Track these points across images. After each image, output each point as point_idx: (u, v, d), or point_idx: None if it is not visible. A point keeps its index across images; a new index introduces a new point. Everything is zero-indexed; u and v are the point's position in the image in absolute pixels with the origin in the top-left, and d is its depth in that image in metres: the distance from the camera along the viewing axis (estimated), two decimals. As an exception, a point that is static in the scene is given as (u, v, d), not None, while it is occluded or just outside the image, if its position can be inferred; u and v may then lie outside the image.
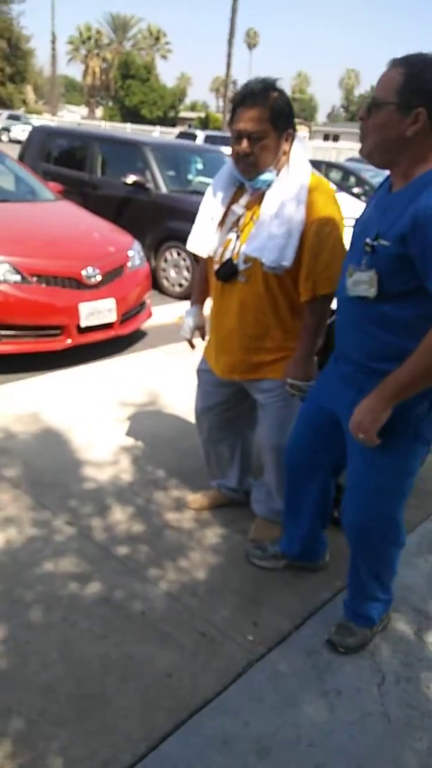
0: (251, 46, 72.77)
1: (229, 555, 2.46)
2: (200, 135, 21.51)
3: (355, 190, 9.99)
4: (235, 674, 1.92)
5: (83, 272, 4.24)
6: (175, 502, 2.78)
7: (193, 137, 20.72)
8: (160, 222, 6.24)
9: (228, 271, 2.17)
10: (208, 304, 2.45)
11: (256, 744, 1.72)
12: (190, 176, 7.00)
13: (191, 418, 3.46)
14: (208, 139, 19.91)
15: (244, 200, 2.17)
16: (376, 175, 11.14)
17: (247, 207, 2.16)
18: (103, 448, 3.17)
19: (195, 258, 2.42)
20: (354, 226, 1.90)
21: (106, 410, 3.60)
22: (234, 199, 2.20)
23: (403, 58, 1.60)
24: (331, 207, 2.08)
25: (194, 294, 2.58)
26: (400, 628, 2.17)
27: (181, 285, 6.33)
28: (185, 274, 6.27)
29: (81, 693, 1.82)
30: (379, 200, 1.78)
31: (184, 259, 6.22)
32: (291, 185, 2.06)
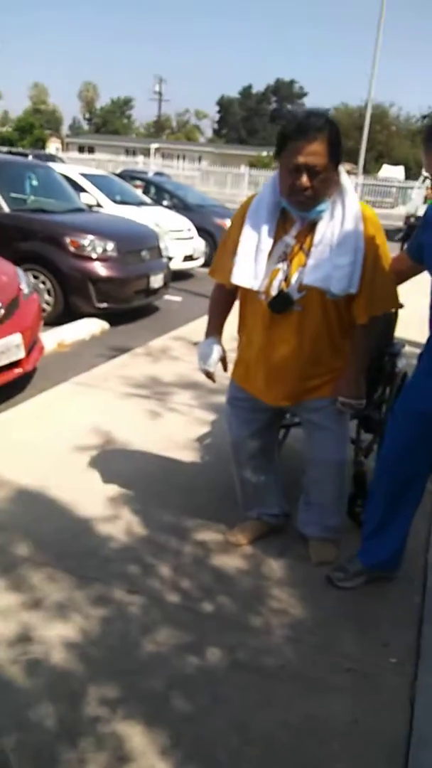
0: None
1: (308, 583, 2.41)
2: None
3: (165, 203, 10.15)
4: (409, 700, 1.91)
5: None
6: (214, 543, 2.62)
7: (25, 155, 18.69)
8: (11, 244, 5.68)
9: (283, 302, 2.16)
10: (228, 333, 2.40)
11: None
12: (26, 194, 6.48)
13: (164, 451, 3.32)
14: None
15: (294, 230, 2.15)
16: (178, 188, 11.45)
17: (296, 237, 2.15)
18: (93, 500, 2.83)
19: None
20: (423, 249, 2.12)
21: (63, 458, 3.21)
22: (279, 230, 2.16)
23: None
24: (380, 232, 2.18)
25: (211, 325, 2.49)
26: None
27: (43, 310, 5.85)
28: (46, 297, 5.81)
29: (295, 771, 1.65)
30: None
31: (44, 282, 5.77)
32: (347, 214, 2.10)
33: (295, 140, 1.96)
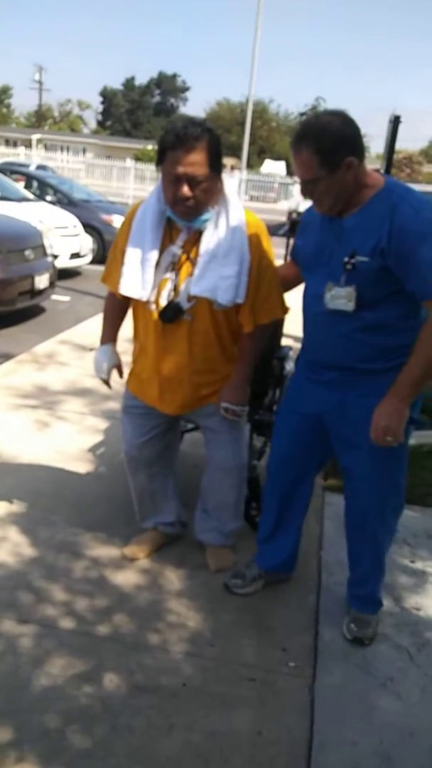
0: None
1: (206, 593, 2.39)
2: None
3: (49, 198, 9.77)
4: (308, 704, 1.93)
5: None
6: (109, 559, 2.53)
7: None
8: None
9: (173, 312, 2.13)
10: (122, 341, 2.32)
11: (377, 757, 1.78)
12: None
13: (54, 464, 3.19)
14: None
15: (180, 240, 2.13)
16: (62, 182, 11.07)
17: (183, 246, 2.12)
18: (-16, 523, 2.66)
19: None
20: (297, 253, 2.15)
21: None
22: (165, 239, 2.13)
23: (303, 135, 1.81)
24: (265, 240, 2.18)
25: (105, 332, 2.44)
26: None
27: None
28: None
29: (199, 795, 1.62)
30: (326, 226, 1.97)
31: None
32: (232, 224, 2.10)
33: (173, 150, 1.93)
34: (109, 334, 2.43)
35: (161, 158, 1.97)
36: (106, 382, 2.44)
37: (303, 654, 2.13)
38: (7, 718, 1.78)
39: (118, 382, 2.50)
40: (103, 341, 2.42)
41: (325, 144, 1.77)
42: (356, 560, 2.23)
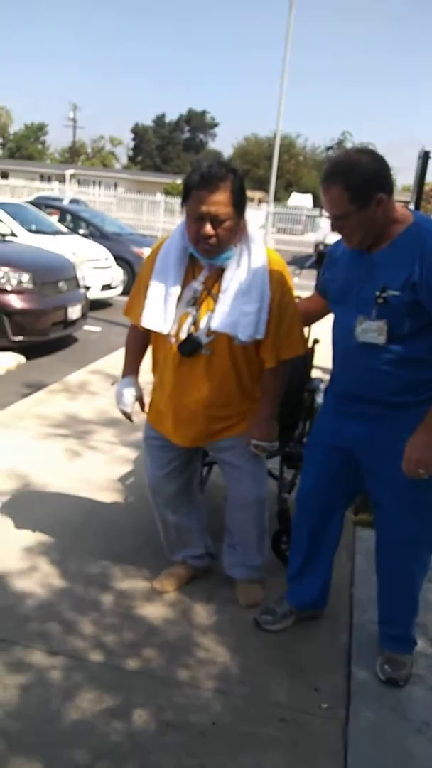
0: None
1: (236, 629, 2.35)
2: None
3: (81, 231, 10.00)
4: (342, 747, 1.88)
5: None
6: (138, 592, 2.52)
7: None
8: None
9: (192, 346, 2.16)
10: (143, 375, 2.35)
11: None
12: None
13: (84, 494, 3.20)
14: None
15: (202, 276, 2.16)
16: (94, 216, 11.35)
17: (204, 282, 2.16)
18: (6, 551, 2.68)
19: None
20: (325, 286, 2.18)
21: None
22: (188, 274, 2.17)
23: (333, 172, 1.84)
24: (286, 277, 2.21)
25: (127, 365, 2.48)
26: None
27: None
28: None
29: None
30: (355, 261, 1.99)
31: None
32: (254, 261, 2.13)
33: (198, 190, 1.97)
34: (131, 367, 2.46)
35: (186, 197, 2.02)
36: (128, 416, 2.45)
37: (335, 695, 2.08)
38: (36, 751, 1.77)
39: (141, 415, 2.50)
40: (125, 374, 2.45)
41: (354, 181, 1.80)
42: (388, 597, 2.18)
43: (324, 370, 3.42)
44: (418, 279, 1.81)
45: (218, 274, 2.14)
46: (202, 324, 2.14)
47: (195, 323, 2.15)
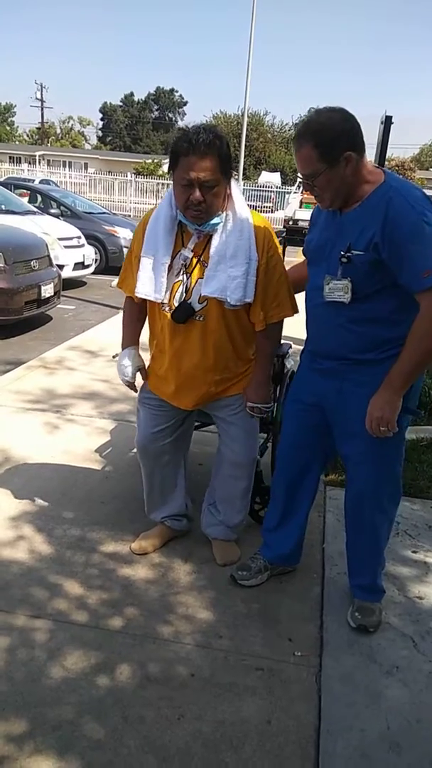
0: None
1: (214, 586, 2.42)
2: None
3: (53, 211, 9.87)
4: (316, 692, 1.96)
5: None
6: (118, 555, 2.58)
7: None
8: None
9: (185, 313, 2.20)
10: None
11: (384, 743, 1.81)
12: None
13: (64, 465, 3.22)
14: None
15: (191, 244, 2.19)
16: (65, 196, 11.20)
17: (194, 249, 2.19)
18: (-5, 524, 2.71)
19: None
20: (306, 248, 2.18)
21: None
22: (177, 243, 2.19)
23: (304, 131, 1.86)
24: (272, 240, 2.23)
25: (126, 336, 2.50)
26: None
27: None
28: None
29: (210, 779, 1.65)
30: (329, 222, 2.03)
31: None
32: (239, 225, 2.15)
33: (186, 156, 1.98)
34: (130, 338, 2.48)
35: (174, 164, 2.03)
36: (132, 385, 2.48)
37: (309, 644, 2.16)
38: (21, 710, 1.82)
39: (122, 385, 2.53)
40: (125, 345, 2.47)
41: (324, 138, 1.81)
42: (355, 548, 2.26)
43: (295, 340, 3.48)
44: (380, 238, 1.84)
45: (207, 240, 2.16)
46: (194, 291, 2.17)
47: (187, 291, 2.18)
